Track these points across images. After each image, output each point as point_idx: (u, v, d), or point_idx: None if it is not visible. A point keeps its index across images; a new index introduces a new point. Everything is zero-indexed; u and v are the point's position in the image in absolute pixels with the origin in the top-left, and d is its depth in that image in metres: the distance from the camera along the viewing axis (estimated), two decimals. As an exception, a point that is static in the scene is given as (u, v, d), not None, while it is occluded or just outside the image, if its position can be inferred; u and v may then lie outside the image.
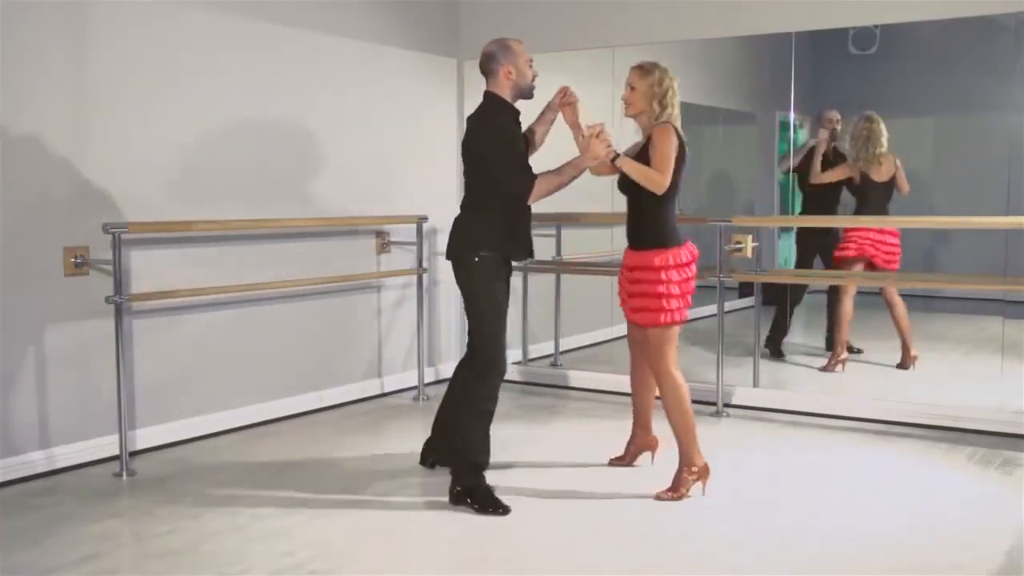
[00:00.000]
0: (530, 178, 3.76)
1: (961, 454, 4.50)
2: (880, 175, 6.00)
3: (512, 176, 3.77)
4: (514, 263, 4.05)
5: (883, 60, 6.17)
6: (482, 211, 3.84)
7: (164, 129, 4.59)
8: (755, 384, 5.57)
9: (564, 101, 3.98)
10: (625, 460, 4.30)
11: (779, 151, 6.81)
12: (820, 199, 6.25)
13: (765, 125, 6.98)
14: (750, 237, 5.20)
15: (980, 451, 4.53)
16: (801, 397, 5.37)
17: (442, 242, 6.20)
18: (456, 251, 3.88)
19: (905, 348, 6.04)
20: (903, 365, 6.04)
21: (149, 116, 4.53)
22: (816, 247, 6.42)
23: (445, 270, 6.24)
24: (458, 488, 3.77)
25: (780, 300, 6.42)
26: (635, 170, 3.81)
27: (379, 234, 5.75)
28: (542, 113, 4.06)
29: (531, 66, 3.89)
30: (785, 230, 6.93)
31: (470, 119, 3.91)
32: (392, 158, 5.82)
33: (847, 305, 6.01)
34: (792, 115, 5.99)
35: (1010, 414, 4.83)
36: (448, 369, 6.26)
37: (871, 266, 6.00)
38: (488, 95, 3.88)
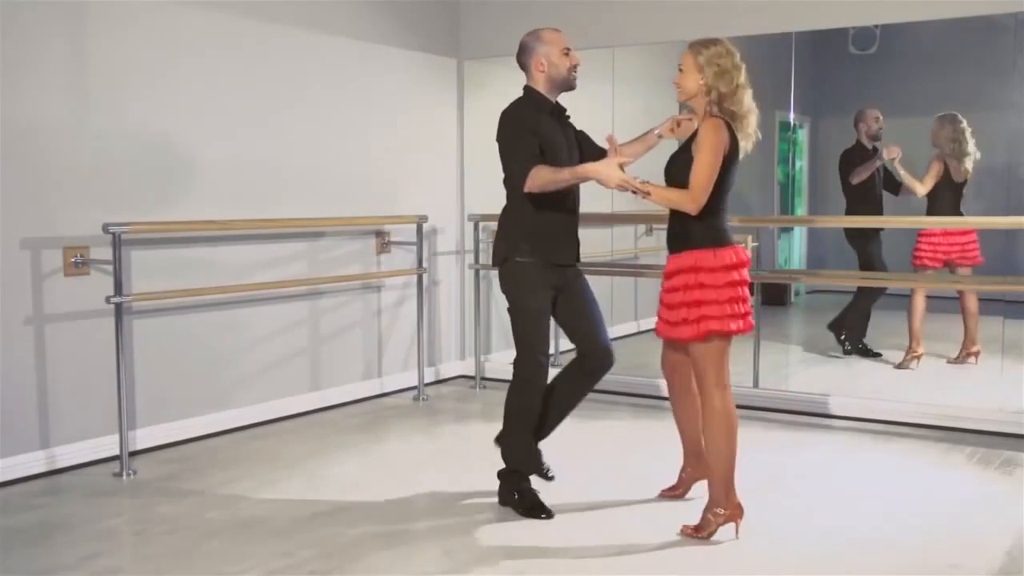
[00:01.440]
0: (526, 167, 3.52)
1: (961, 454, 4.50)
2: (960, 175, 5.93)
3: (511, 166, 3.62)
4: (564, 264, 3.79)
5: (883, 60, 6.17)
6: (514, 211, 3.69)
7: (164, 129, 4.60)
8: (755, 384, 5.57)
9: (669, 134, 3.84)
10: (678, 491, 3.84)
11: (779, 151, 6.80)
12: (861, 201, 6.18)
13: (765, 125, 6.96)
14: (750, 237, 5.20)
15: (980, 451, 4.53)
16: (801, 397, 5.37)
17: (442, 242, 6.24)
18: (495, 255, 3.77)
19: (968, 342, 6.00)
20: (958, 359, 6.03)
21: (149, 116, 4.54)
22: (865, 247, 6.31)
23: (445, 270, 6.25)
24: (505, 492, 3.77)
25: (861, 299, 6.34)
26: (663, 199, 3.38)
27: (379, 234, 5.75)
28: (644, 134, 3.91)
29: (568, 55, 3.72)
30: (785, 230, 6.93)
31: (501, 112, 3.74)
32: (392, 158, 5.82)
33: (919, 302, 5.98)
34: (792, 115, 5.99)
35: (1010, 414, 4.83)
36: (448, 369, 6.29)
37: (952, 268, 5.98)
38: (524, 89, 3.75)
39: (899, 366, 6.06)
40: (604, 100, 6.21)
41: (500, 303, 6.52)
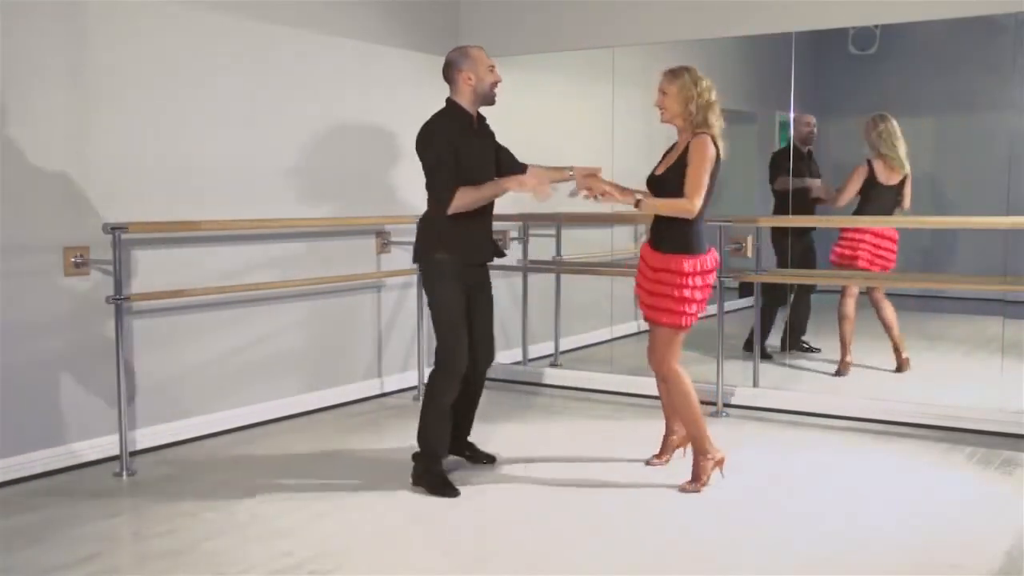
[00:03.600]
0: (448, 194, 3.85)
1: (961, 454, 4.50)
2: (891, 178, 5.90)
3: (434, 189, 3.92)
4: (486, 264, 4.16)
5: (883, 60, 6.17)
6: (434, 215, 3.98)
7: (164, 129, 4.60)
8: (755, 384, 5.57)
9: (585, 192, 4.00)
10: (664, 457, 4.31)
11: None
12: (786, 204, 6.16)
13: (765, 125, 6.98)
14: (750, 237, 5.20)
15: (980, 451, 4.53)
16: (801, 397, 5.37)
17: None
18: (417, 254, 4.06)
19: (896, 351, 5.98)
20: (899, 369, 5.99)
21: (149, 116, 4.54)
22: (792, 249, 6.30)
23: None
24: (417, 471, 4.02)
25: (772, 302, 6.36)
26: (662, 207, 3.88)
27: (379, 234, 5.75)
28: (559, 169, 4.16)
29: (493, 71, 4.00)
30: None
31: (424, 124, 4.01)
32: (392, 158, 5.82)
33: (849, 307, 5.95)
34: (792, 115, 5.99)
35: (1010, 414, 4.83)
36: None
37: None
38: (447, 102, 4.03)
39: (837, 374, 6.01)
40: (604, 100, 6.21)
41: (499, 303, 6.54)
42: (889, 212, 5.92)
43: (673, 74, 3.92)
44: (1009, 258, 5.43)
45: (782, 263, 6.19)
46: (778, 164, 6.29)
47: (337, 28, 5.44)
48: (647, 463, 4.29)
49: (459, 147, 3.90)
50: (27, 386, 4.14)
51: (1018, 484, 4.04)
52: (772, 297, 6.20)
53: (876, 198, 5.91)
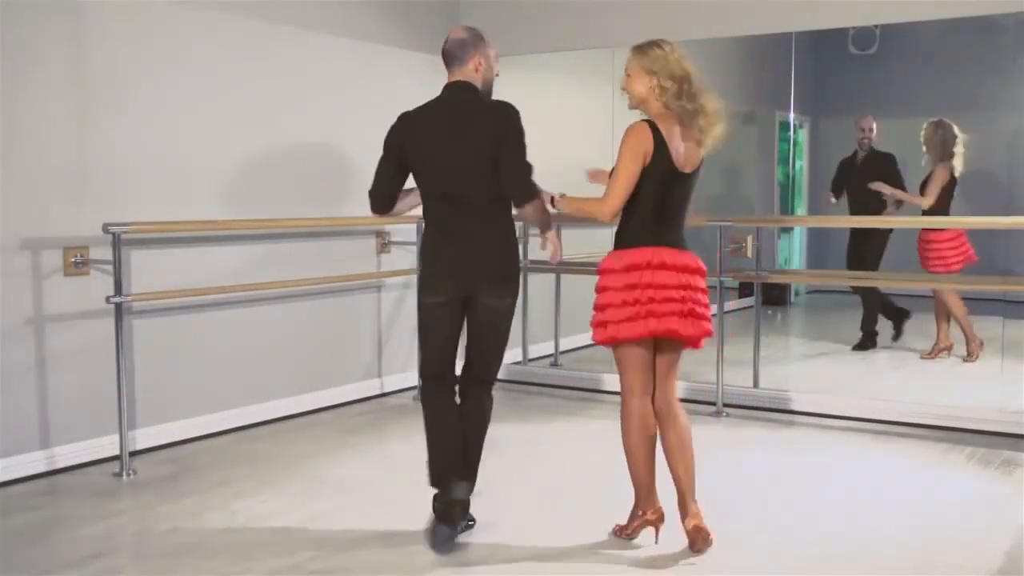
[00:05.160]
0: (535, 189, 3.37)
1: (961, 454, 4.50)
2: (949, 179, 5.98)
3: (528, 169, 3.38)
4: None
5: (883, 60, 6.17)
6: (508, 220, 3.46)
7: (164, 129, 4.59)
8: (755, 384, 5.57)
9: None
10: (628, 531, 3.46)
11: (779, 151, 6.82)
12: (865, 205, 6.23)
13: (765, 125, 6.98)
14: (750, 237, 5.20)
15: (980, 451, 4.53)
16: (801, 397, 5.37)
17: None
18: (511, 266, 3.48)
19: (967, 340, 6.06)
20: (969, 355, 6.07)
21: (149, 116, 4.53)
22: (865, 250, 6.34)
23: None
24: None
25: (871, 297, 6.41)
26: (575, 208, 3.36)
27: (379, 234, 5.75)
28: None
29: (497, 62, 3.60)
30: (785, 230, 6.94)
31: (483, 111, 3.45)
32: (392, 158, 5.81)
33: (953, 300, 5.99)
34: (792, 115, 5.99)
35: (1010, 414, 4.83)
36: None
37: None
38: (465, 87, 3.49)
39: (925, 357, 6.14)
40: (604, 100, 6.20)
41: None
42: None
43: (637, 49, 3.27)
44: (1009, 258, 5.43)
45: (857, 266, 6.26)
46: (844, 171, 6.33)
47: (337, 28, 5.44)
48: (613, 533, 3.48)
49: None
50: (27, 386, 4.14)
51: (1018, 484, 4.04)
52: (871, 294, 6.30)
53: (949, 200, 5.94)
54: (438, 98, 3.58)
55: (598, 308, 3.33)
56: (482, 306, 3.39)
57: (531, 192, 3.34)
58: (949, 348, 6.14)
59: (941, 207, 5.89)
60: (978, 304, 6.40)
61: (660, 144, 3.18)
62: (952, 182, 5.91)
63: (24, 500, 3.88)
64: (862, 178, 6.24)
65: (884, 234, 6.21)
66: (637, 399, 3.32)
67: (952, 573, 3.14)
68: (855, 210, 6.22)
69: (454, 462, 3.42)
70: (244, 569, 3.17)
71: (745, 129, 7.45)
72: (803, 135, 6.72)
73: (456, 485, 3.38)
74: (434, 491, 3.42)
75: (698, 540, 3.25)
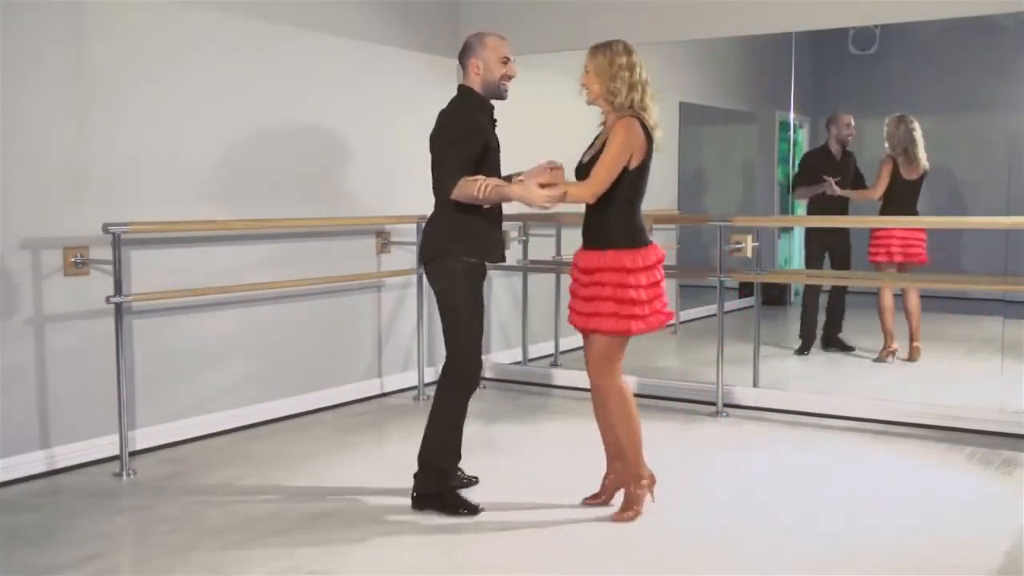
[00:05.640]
0: (455, 178, 3.53)
1: (961, 454, 4.50)
2: (911, 173, 6.10)
3: (442, 172, 3.60)
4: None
5: (883, 60, 6.17)
6: (454, 211, 3.62)
7: (163, 129, 4.60)
8: (755, 384, 5.57)
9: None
10: (601, 498, 3.80)
11: (779, 151, 6.81)
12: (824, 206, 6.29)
13: (765, 125, 6.99)
14: (750, 237, 5.20)
15: (980, 451, 4.53)
16: (801, 397, 5.37)
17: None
18: (431, 254, 3.72)
19: (912, 340, 6.20)
20: (911, 358, 6.21)
21: (148, 116, 4.53)
22: (826, 247, 6.45)
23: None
24: (420, 493, 3.73)
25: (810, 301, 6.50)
26: (569, 195, 3.47)
27: (379, 234, 5.75)
28: (524, 179, 3.60)
29: (507, 64, 3.69)
30: (785, 230, 6.94)
31: (441, 113, 3.74)
32: (392, 158, 5.82)
33: (887, 298, 6.16)
34: (792, 115, 5.99)
35: (1010, 414, 4.83)
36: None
37: (902, 267, 6.15)
38: (460, 88, 3.76)
39: (877, 360, 6.25)
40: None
41: (499, 302, 6.55)
42: (912, 207, 6.07)
43: (594, 48, 3.54)
44: (1009, 258, 5.43)
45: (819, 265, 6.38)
46: (821, 166, 6.39)
47: (337, 28, 5.44)
48: (584, 503, 3.79)
49: (484, 134, 3.64)
50: (27, 386, 4.14)
51: (1018, 484, 4.04)
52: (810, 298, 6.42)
53: (903, 195, 6.09)
54: None
55: (633, 302, 3.49)
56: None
57: (442, 187, 3.60)
58: (895, 351, 6.26)
59: (886, 199, 6.12)
60: (978, 304, 6.41)
61: (648, 145, 3.50)
62: (899, 176, 6.08)
63: (24, 500, 3.88)
64: (844, 175, 6.33)
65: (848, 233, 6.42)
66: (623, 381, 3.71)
67: (952, 573, 3.15)
68: (827, 206, 6.26)
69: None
70: (244, 569, 3.17)
71: (745, 129, 7.46)
72: (803, 135, 6.72)
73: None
74: (443, 480, 3.74)
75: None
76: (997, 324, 5.49)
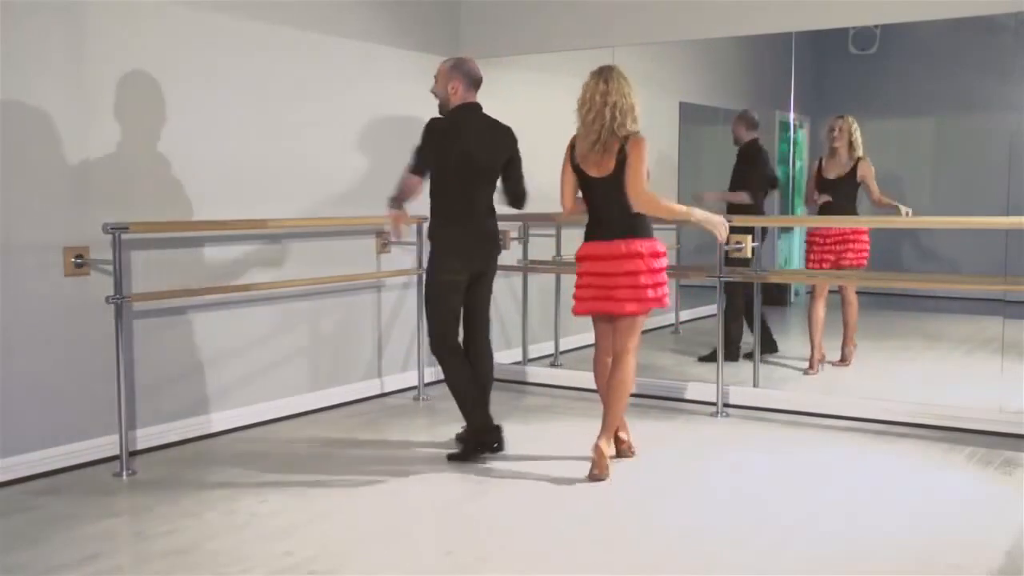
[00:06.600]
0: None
1: (961, 454, 4.50)
2: (832, 171, 6.03)
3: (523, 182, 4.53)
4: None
5: (883, 60, 6.18)
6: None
7: (164, 129, 4.60)
8: (755, 384, 5.57)
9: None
10: (628, 454, 4.46)
11: (779, 151, 6.81)
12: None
13: (765, 125, 6.98)
14: (750, 237, 5.20)
15: (980, 451, 4.53)
16: (801, 397, 5.37)
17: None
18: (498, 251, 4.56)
19: (844, 345, 6.14)
20: (843, 360, 6.16)
21: (149, 116, 4.54)
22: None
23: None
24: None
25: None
26: (666, 212, 4.27)
27: (379, 234, 5.75)
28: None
29: (448, 79, 4.55)
30: (785, 230, 6.94)
31: (497, 129, 4.47)
32: (392, 158, 5.80)
33: (819, 310, 6.01)
34: (792, 115, 5.99)
35: (1010, 414, 4.83)
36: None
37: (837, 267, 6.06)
38: (477, 106, 4.54)
39: (807, 373, 6.08)
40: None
41: (500, 302, 6.54)
42: (851, 208, 6.00)
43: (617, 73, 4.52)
44: (1009, 258, 5.43)
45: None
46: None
47: (337, 28, 5.44)
48: (590, 477, 4.12)
49: None
50: (27, 386, 4.14)
51: (1018, 484, 4.04)
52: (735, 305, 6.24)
53: (831, 194, 6.02)
54: None
55: (661, 284, 4.21)
56: None
57: (526, 194, 4.51)
58: (823, 357, 6.16)
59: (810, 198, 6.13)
60: (978, 304, 6.40)
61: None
62: (820, 176, 6.05)
63: (24, 500, 3.88)
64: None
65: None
66: None
67: (952, 573, 3.15)
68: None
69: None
70: (244, 569, 3.17)
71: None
72: (803, 135, 6.72)
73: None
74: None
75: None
76: (997, 324, 5.49)
